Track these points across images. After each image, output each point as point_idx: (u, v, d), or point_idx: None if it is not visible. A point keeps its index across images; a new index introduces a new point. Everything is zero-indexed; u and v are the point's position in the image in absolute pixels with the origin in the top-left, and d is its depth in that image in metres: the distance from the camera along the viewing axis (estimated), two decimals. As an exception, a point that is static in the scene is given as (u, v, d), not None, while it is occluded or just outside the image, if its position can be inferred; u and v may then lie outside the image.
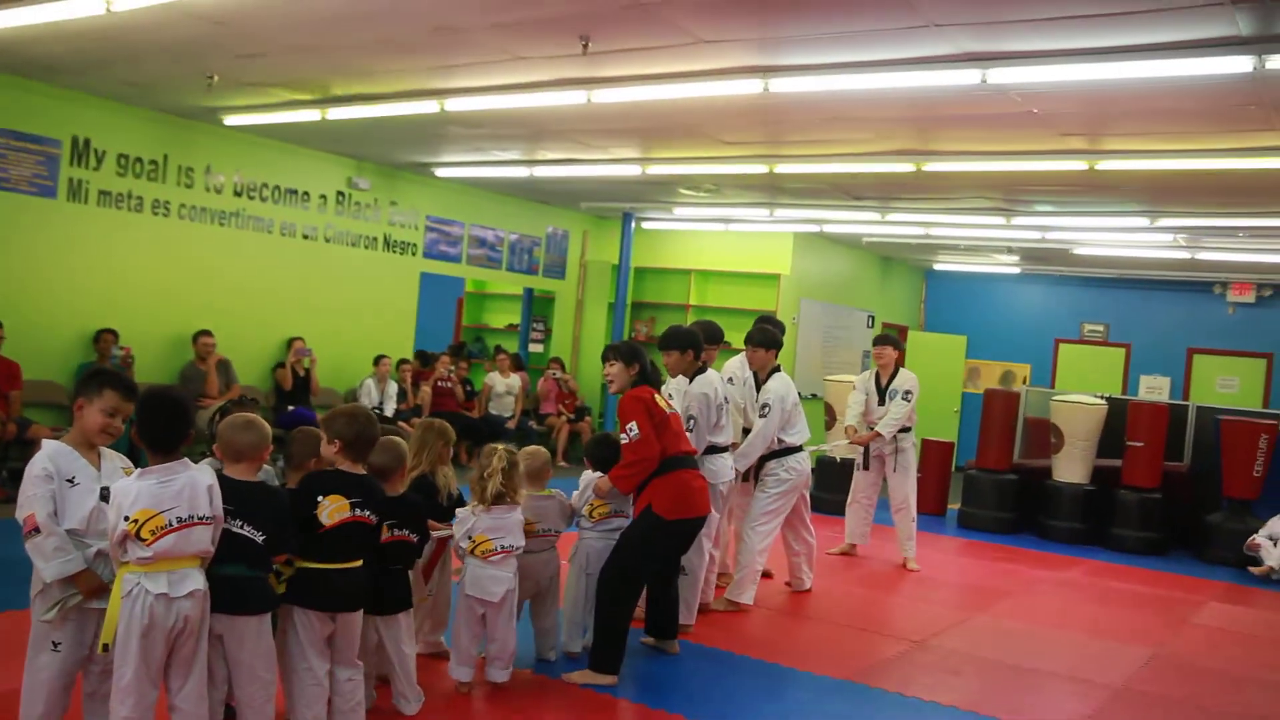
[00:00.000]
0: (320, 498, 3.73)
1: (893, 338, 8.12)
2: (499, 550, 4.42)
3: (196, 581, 3.28)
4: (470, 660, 4.49)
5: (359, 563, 3.84)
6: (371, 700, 4.19)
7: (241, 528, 3.48)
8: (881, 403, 7.94)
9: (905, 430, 7.90)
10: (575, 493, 5.11)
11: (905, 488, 7.93)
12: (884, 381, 7.97)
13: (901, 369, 7.99)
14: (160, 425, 3.34)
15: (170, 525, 3.22)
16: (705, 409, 5.59)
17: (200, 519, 3.29)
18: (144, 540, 3.19)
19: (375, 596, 3.98)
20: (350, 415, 3.89)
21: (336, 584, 3.74)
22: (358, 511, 3.78)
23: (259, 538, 3.51)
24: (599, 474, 5.05)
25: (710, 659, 5.32)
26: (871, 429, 7.88)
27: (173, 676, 3.31)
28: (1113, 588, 8.04)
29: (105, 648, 3.21)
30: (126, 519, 3.19)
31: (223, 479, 3.50)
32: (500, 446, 4.55)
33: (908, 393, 7.77)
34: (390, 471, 4.15)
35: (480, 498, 4.44)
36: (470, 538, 4.43)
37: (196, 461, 3.49)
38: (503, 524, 4.44)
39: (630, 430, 4.81)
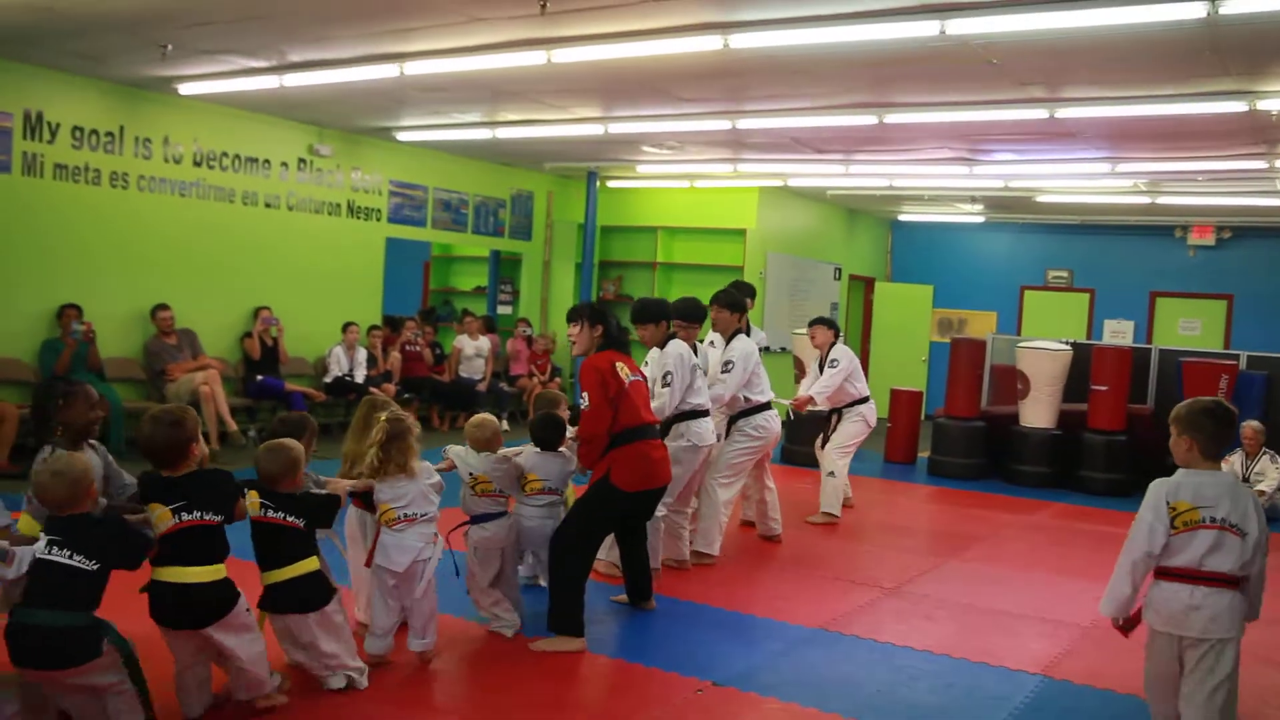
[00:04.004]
0: (147, 506, 3.61)
1: (826, 319, 8.31)
2: (401, 519, 4.26)
3: None
4: (385, 631, 4.35)
5: (210, 571, 3.57)
6: (276, 688, 3.90)
7: (71, 558, 3.28)
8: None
9: (855, 405, 7.99)
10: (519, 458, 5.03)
11: (833, 450, 8.02)
12: (823, 357, 8.16)
13: (837, 343, 8.15)
14: None
15: None
16: (680, 367, 5.70)
17: None
18: None
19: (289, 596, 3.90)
20: (151, 420, 3.65)
21: (169, 598, 3.53)
22: (184, 516, 3.55)
23: (91, 566, 3.30)
24: (536, 450, 5.03)
25: (685, 612, 5.39)
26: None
27: None
28: (1080, 529, 8.21)
29: None
30: None
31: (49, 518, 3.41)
32: (383, 417, 4.31)
33: (834, 361, 7.98)
34: (281, 478, 3.94)
35: (364, 468, 4.29)
36: (375, 507, 4.34)
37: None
38: (401, 492, 4.28)
39: (583, 400, 4.87)
